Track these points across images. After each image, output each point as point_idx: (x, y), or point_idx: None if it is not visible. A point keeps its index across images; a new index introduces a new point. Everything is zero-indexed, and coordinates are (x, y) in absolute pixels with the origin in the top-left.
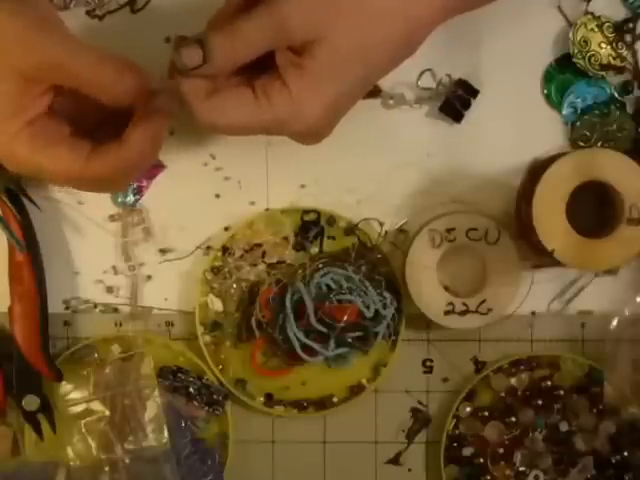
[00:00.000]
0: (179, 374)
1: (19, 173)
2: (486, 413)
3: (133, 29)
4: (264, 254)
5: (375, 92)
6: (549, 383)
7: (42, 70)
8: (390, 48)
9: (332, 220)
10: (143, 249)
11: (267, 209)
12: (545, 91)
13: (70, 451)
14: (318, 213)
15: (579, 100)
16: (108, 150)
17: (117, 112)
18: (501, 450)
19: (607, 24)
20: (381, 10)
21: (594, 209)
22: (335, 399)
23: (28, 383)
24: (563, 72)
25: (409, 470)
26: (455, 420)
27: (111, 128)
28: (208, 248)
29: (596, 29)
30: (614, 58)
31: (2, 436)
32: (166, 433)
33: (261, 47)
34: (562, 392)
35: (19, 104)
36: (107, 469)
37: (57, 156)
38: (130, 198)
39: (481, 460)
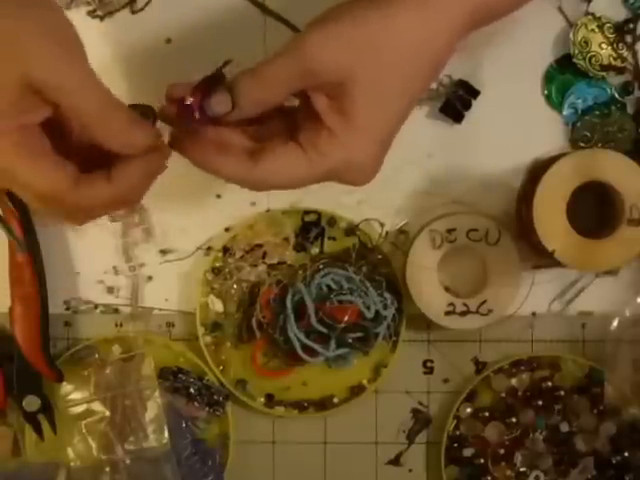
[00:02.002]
0: (180, 375)
1: None
2: (487, 414)
3: (133, 30)
4: (265, 255)
5: None
6: (550, 384)
7: (52, 90)
8: (421, 78)
9: (333, 221)
10: (144, 249)
11: (268, 210)
12: (545, 92)
13: (71, 452)
14: (319, 214)
15: (579, 101)
16: (95, 181)
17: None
18: (502, 451)
19: (607, 25)
20: (407, 44)
21: (594, 209)
22: (336, 400)
23: (29, 383)
24: (563, 73)
25: (410, 471)
26: (456, 421)
27: (99, 155)
28: (209, 249)
29: (597, 30)
30: (614, 59)
31: (3, 436)
32: (167, 434)
33: (289, 88)
34: (563, 393)
35: (18, 105)
36: (108, 470)
37: (40, 169)
38: None
39: (482, 461)
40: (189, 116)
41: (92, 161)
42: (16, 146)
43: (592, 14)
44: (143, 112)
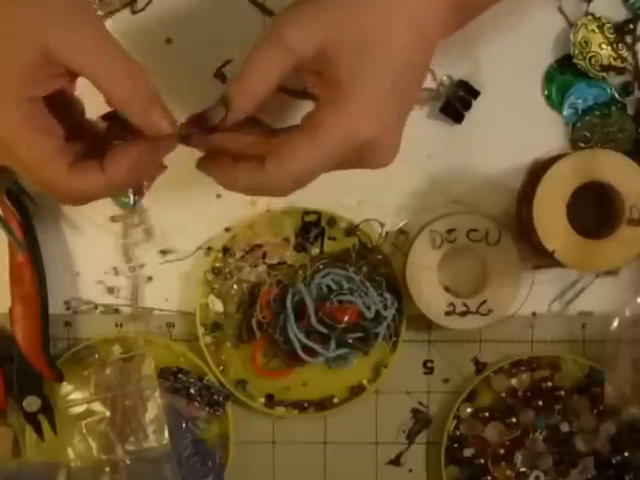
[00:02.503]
0: (180, 375)
1: None
2: (487, 414)
3: (134, 30)
4: (265, 255)
5: None
6: (550, 384)
7: (65, 48)
8: (403, 44)
9: (333, 221)
10: (144, 250)
11: (268, 210)
12: (546, 92)
13: (71, 452)
14: (319, 214)
15: (580, 101)
16: (87, 169)
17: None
18: (502, 451)
19: (608, 25)
20: (381, 8)
21: (594, 210)
22: (336, 400)
23: (29, 384)
24: (564, 73)
25: (410, 471)
26: (456, 421)
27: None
28: (209, 249)
29: (597, 30)
30: (615, 59)
31: (3, 437)
32: (167, 434)
33: (276, 74)
34: (563, 393)
35: (35, 71)
36: (108, 470)
37: (40, 148)
38: (131, 199)
39: (482, 461)
40: (194, 135)
41: (91, 147)
42: (23, 120)
43: (592, 14)
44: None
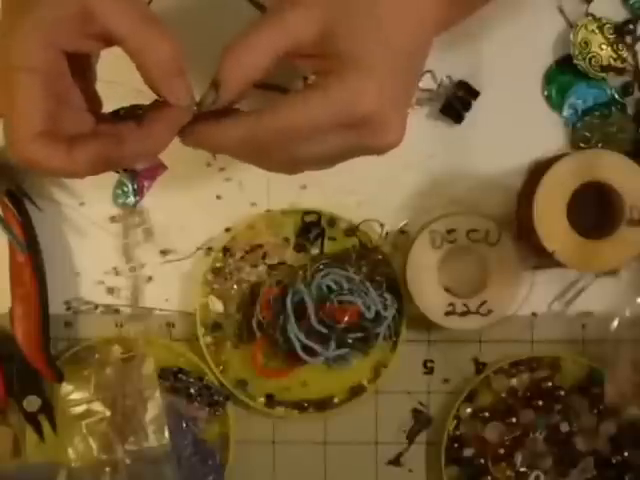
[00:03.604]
0: (180, 375)
1: None
2: (487, 414)
3: None
4: (265, 255)
5: None
6: (550, 384)
7: (105, 9)
8: (397, 14)
9: (333, 221)
10: (144, 250)
11: (268, 210)
12: (546, 92)
13: (71, 452)
14: (319, 214)
15: (580, 101)
16: (57, 144)
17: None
18: (502, 451)
19: (608, 25)
20: None
21: (594, 210)
22: (336, 400)
23: (29, 384)
24: (564, 73)
25: (410, 471)
26: (456, 421)
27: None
28: (209, 249)
29: (597, 30)
30: (615, 59)
31: (3, 437)
32: (167, 434)
33: (268, 52)
34: (563, 393)
35: (66, 25)
36: (108, 470)
37: (53, 118)
38: (131, 199)
39: (482, 461)
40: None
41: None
42: (44, 83)
43: (592, 15)
44: (130, 112)
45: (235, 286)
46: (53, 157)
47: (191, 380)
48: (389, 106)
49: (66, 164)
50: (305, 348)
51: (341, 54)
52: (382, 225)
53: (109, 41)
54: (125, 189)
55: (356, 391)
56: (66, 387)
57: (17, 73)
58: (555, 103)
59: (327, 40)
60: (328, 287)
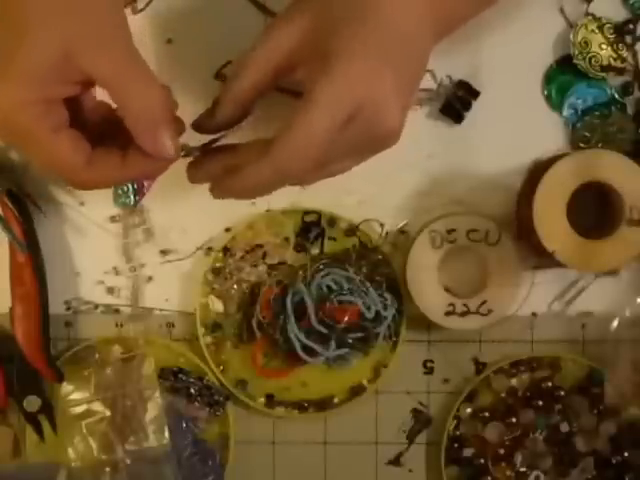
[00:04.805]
0: (180, 375)
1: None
2: (487, 414)
3: (134, 30)
4: (265, 255)
5: None
6: (550, 384)
7: (87, 55)
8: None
9: (333, 221)
10: (144, 250)
11: (268, 210)
12: (545, 92)
13: (71, 452)
14: (319, 214)
15: (580, 101)
16: (108, 162)
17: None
18: (502, 451)
19: (608, 25)
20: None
21: (594, 210)
22: (336, 400)
23: (29, 384)
24: (564, 73)
25: (410, 471)
26: (456, 421)
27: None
28: (209, 249)
29: (597, 30)
30: (615, 59)
31: (3, 437)
32: (167, 434)
33: (263, 67)
34: (563, 393)
35: (55, 73)
36: (108, 470)
37: (58, 144)
38: (131, 199)
39: (482, 461)
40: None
41: (104, 137)
42: (40, 118)
43: (592, 15)
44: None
45: (235, 286)
46: (109, 172)
47: (191, 380)
48: (382, 91)
49: (122, 172)
50: (305, 348)
51: (328, 52)
52: (382, 225)
53: (94, 84)
54: (125, 189)
55: (356, 391)
56: (66, 387)
57: (31, 143)
58: (555, 103)
59: (312, 42)
60: (328, 287)
